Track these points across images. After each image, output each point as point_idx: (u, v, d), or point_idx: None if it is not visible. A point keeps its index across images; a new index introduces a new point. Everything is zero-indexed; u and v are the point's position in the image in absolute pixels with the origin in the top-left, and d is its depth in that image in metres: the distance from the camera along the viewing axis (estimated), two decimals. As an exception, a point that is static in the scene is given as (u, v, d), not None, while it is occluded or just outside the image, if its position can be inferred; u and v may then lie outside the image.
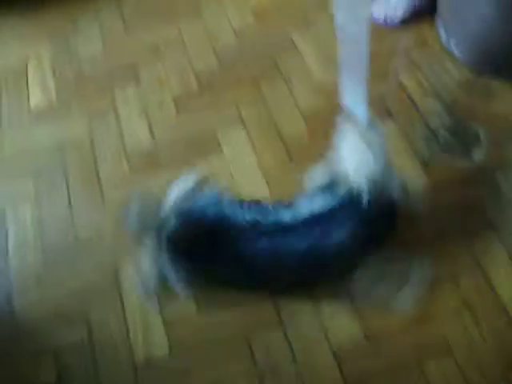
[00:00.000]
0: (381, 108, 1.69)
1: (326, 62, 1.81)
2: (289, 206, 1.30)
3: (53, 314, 1.40)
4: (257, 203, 1.34)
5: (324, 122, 1.65)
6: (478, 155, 1.61)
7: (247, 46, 1.86)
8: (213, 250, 1.26)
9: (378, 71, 1.78)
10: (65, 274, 1.45)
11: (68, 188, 1.58)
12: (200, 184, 1.27)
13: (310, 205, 1.28)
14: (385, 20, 1.89)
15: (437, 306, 1.35)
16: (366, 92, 1.39)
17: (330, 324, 1.34)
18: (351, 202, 1.24)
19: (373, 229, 1.28)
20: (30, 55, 1.90)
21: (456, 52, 1.80)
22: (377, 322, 1.34)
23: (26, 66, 1.88)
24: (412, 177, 1.55)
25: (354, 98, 1.40)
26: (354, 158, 1.28)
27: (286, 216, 1.27)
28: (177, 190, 1.24)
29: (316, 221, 1.26)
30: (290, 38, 1.87)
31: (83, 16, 2.00)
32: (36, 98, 1.79)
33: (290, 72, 1.78)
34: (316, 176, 1.36)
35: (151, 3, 2.01)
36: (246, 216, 1.28)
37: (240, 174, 1.56)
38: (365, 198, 1.22)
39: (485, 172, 1.56)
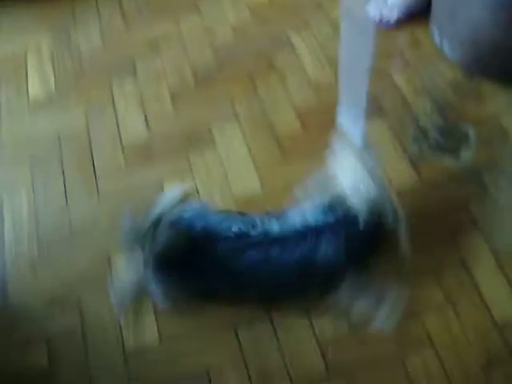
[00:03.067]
0: (374, 106, 1.72)
1: (322, 61, 1.83)
2: (277, 217, 1.30)
3: (46, 302, 1.43)
4: (243, 215, 1.34)
5: (317, 119, 1.69)
6: (467, 155, 1.64)
7: (244, 43, 1.89)
8: (199, 262, 1.25)
9: (372, 70, 1.82)
10: (59, 262, 1.49)
11: (64, 178, 1.61)
12: (185, 197, 1.28)
13: (299, 218, 1.28)
14: (380, 20, 1.92)
15: (420, 301, 1.39)
16: (364, 115, 1.42)
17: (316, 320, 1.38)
18: (346, 220, 1.26)
19: (360, 248, 1.30)
20: (29, 46, 1.93)
21: (448, 52, 1.83)
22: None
23: (26, 56, 1.91)
24: (401, 176, 1.58)
25: (351, 117, 1.43)
26: (350, 178, 1.29)
27: (275, 227, 1.27)
28: (163, 202, 1.25)
29: (306, 234, 1.26)
30: (286, 35, 1.90)
31: (83, 8, 2.03)
32: (35, 88, 1.81)
33: (286, 69, 1.81)
34: (309, 189, 1.35)
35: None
36: (233, 227, 1.26)
37: (233, 169, 1.59)
38: (361, 219, 1.24)
39: (473, 171, 1.59)
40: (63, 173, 1.63)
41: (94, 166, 1.63)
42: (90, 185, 1.59)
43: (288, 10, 1.99)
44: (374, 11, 1.93)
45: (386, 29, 1.93)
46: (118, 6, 2.03)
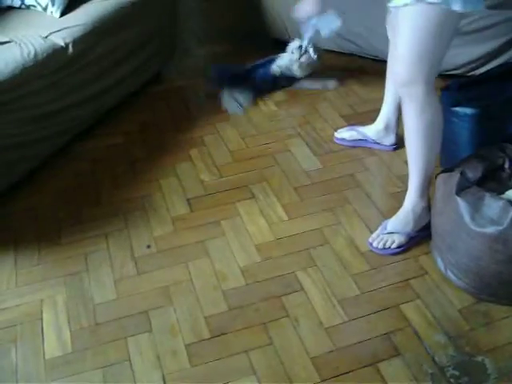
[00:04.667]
0: (387, 346, 1.73)
1: (332, 301, 1.88)
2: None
3: None
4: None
5: (334, 365, 1.69)
6: (489, 392, 1.63)
7: (254, 286, 1.94)
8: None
9: (382, 304, 1.86)
10: None
11: None
12: None
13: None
14: (383, 248, 1.99)
15: None
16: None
17: None
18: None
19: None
20: (45, 299, 1.95)
21: (454, 280, 1.88)
22: None
23: (41, 310, 1.92)
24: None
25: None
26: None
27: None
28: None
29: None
30: (294, 275, 1.96)
31: (96, 254, 2.10)
32: (51, 347, 1.81)
33: (297, 312, 1.84)
34: None
35: (160, 245, 2.11)
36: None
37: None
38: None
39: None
40: None
41: None
42: None
43: (294, 248, 2.07)
44: (375, 242, 2.01)
45: (388, 256, 1.99)
46: (129, 251, 2.10)
